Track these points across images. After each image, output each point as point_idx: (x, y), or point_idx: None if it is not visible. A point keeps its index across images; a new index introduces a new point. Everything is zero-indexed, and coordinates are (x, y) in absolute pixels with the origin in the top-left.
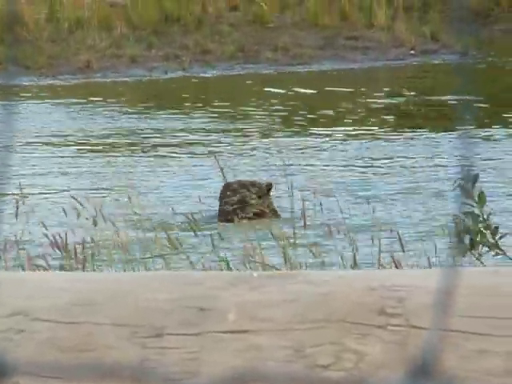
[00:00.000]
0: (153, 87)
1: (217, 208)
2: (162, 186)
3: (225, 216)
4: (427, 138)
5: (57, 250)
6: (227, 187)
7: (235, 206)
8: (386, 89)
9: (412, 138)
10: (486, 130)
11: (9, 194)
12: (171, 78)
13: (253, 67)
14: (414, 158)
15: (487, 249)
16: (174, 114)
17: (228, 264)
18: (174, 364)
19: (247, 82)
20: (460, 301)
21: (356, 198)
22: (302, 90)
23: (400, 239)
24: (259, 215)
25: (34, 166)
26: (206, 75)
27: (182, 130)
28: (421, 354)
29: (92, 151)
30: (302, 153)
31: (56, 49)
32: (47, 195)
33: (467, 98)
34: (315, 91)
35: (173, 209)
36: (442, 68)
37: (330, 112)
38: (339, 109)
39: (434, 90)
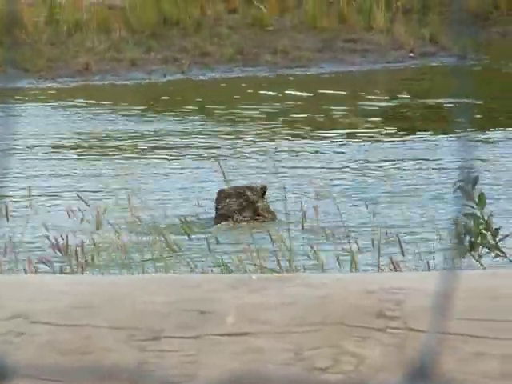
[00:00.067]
0: (152, 90)
1: (214, 211)
2: (161, 189)
3: (221, 220)
4: (426, 140)
5: (57, 252)
6: (221, 193)
7: (231, 210)
8: (385, 91)
9: (410, 141)
10: (483, 132)
11: (8, 197)
12: (170, 81)
13: (252, 70)
14: (413, 160)
15: (487, 250)
16: (172, 116)
17: (227, 267)
18: (172, 367)
19: (246, 84)
20: (458, 303)
21: (354, 200)
22: (301, 93)
23: (399, 242)
24: (255, 218)
25: (32, 168)
26: (205, 78)
27: (181, 133)
28: (419, 356)
29: (91, 154)
30: (300, 155)
31: (55, 51)
32: (46, 198)
33: (465, 100)
34: (313, 94)
35: (167, 212)
36: (441, 70)
37: (329, 114)
38: (338, 111)
39: (432, 92)
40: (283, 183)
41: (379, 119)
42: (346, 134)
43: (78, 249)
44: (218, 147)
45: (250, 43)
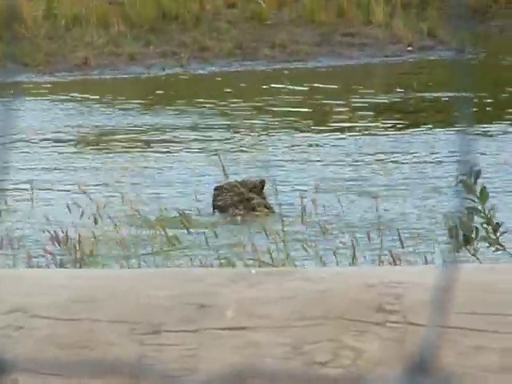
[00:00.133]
0: (151, 84)
1: (211, 205)
2: (160, 182)
3: (219, 213)
4: (425, 133)
5: (57, 245)
6: (219, 187)
7: (229, 204)
8: (383, 85)
9: (408, 134)
10: (480, 126)
11: (7, 190)
12: (169, 75)
13: (250, 64)
14: (411, 154)
15: (488, 245)
16: (171, 110)
17: (229, 261)
18: (172, 361)
19: (245, 78)
20: (457, 297)
21: (354, 194)
22: (298, 87)
23: (399, 236)
24: (253, 212)
25: (30, 162)
26: (204, 72)
27: (179, 127)
28: (418, 350)
29: (90, 148)
30: (299, 149)
31: (53, 46)
32: (44, 191)
33: (463, 94)
34: (311, 88)
35: (166, 206)
36: (439, 64)
37: (326, 108)
38: (335, 105)
39: (430, 86)
40: (281, 177)
41: (377, 113)
42: (344, 127)
43: (77, 242)
44: (217, 141)
45: (248, 37)
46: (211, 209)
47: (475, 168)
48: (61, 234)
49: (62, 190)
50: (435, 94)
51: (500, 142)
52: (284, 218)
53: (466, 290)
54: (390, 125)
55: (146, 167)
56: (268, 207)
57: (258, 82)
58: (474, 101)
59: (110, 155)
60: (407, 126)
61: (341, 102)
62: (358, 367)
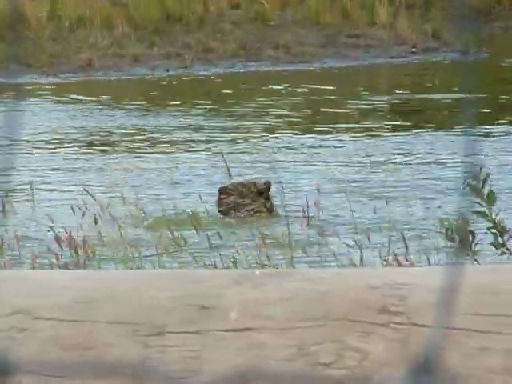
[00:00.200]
0: (155, 86)
1: (216, 207)
2: (163, 183)
3: (224, 215)
4: (428, 135)
5: (62, 247)
6: (224, 188)
7: (234, 205)
8: (388, 86)
9: (413, 136)
10: (483, 127)
11: (10, 191)
12: (173, 77)
13: (255, 65)
14: (415, 155)
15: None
16: (175, 111)
17: (235, 262)
18: (175, 362)
19: (249, 79)
20: (461, 298)
21: (358, 196)
22: (302, 88)
23: (404, 238)
24: (258, 214)
25: (34, 163)
26: (208, 73)
27: (183, 128)
28: (423, 352)
29: (93, 149)
30: (303, 150)
31: (57, 47)
32: (48, 192)
33: (468, 96)
34: (315, 89)
35: (170, 206)
36: (443, 66)
37: (331, 110)
38: (340, 106)
39: (434, 87)
40: (286, 178)
41: (381, 114)
42: (348, 128)
43: (81, 243)
44: (221, 142)
45: (252, 38)
46: (215, 210)
47: (483, 171)
48: (64, 235)
49: (65, 191)
50: (440, 96)
51: (502, 143)
52: (289, 220)
53: (469, 291)
54: (393, 126)
55: (149, 168)
56: (273, 209)
57: (261, 83)
58: (479, 102)
59: (114, 156)
60: (411, 128)
61: (346, 103)
62: (363, 368)
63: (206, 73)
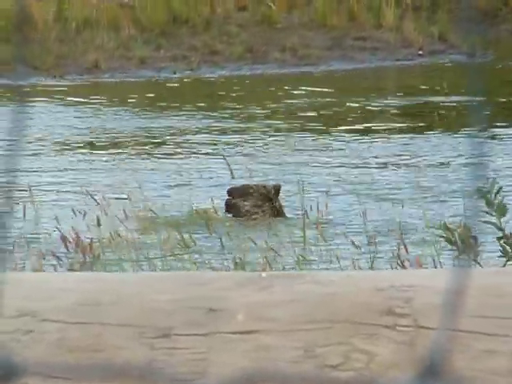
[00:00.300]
0: (161, 88)
1: (224, 209)
2: (169, 185)
3: (232, 217)
4: (434, 137)
5: (69, 249)
6: (233, 190)
7: (243, 207)
8: (394, 89)
9: (419, 138)
10: (489, 129)
11: (15, 192)
12: (179, 79)
13: (261, 68)
14: (422, 157)
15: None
16: (181, 114)
17: (242, 265)
18: (182, 364)
19: (255, 82)
20: (467, 301)
21: (366, 198)
22: (309, 91)
23: (403, 241)
24: (268, 216)
25: (40, 164)
26: (215, 76)
27: (189, 130)
28: (429, 354)
29: (99, 150)
30: (311, 152)
31: (64, 49)
32: (54, 193)
33: (475, 98)
34: (322, 91)
35: (177, 208)
36: (450, 68)
37: (338, 112)
38: (347, 109)
39: (441, 90)
40: (296, 180)
41: (388, 116)
42: (355, 130)
43: (87, 245)
44: (227, 144)
45: (259, 41)
46: (224, 212)
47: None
48: (71, 237)
49: (71, 192)
50: (446, 98)
51: (508, 145)
52: (298, 223)
53: (475, 294)
54: (400, 128)
55: (155, 170)
56: (282, 211)
57: (268, 85)
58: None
59: (120, 158)
60: (418, 130)
61: (352, 106)
62: (370, 370)
63: (212, 75)
